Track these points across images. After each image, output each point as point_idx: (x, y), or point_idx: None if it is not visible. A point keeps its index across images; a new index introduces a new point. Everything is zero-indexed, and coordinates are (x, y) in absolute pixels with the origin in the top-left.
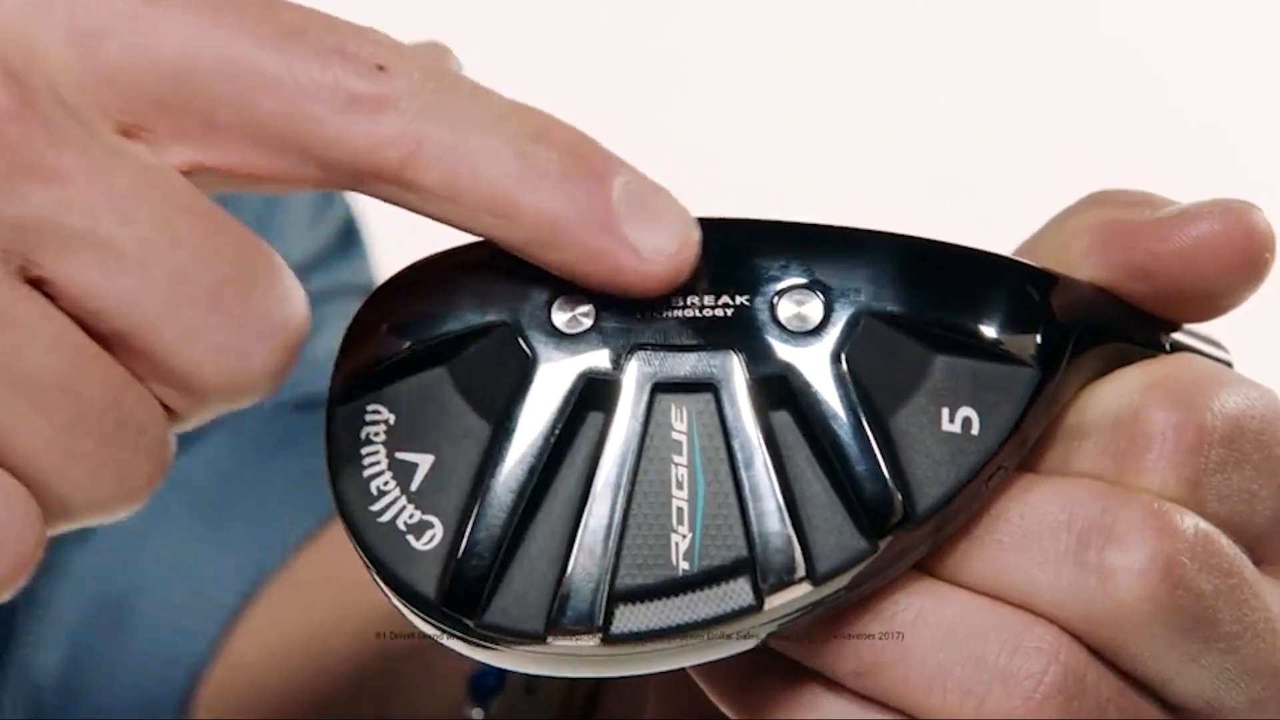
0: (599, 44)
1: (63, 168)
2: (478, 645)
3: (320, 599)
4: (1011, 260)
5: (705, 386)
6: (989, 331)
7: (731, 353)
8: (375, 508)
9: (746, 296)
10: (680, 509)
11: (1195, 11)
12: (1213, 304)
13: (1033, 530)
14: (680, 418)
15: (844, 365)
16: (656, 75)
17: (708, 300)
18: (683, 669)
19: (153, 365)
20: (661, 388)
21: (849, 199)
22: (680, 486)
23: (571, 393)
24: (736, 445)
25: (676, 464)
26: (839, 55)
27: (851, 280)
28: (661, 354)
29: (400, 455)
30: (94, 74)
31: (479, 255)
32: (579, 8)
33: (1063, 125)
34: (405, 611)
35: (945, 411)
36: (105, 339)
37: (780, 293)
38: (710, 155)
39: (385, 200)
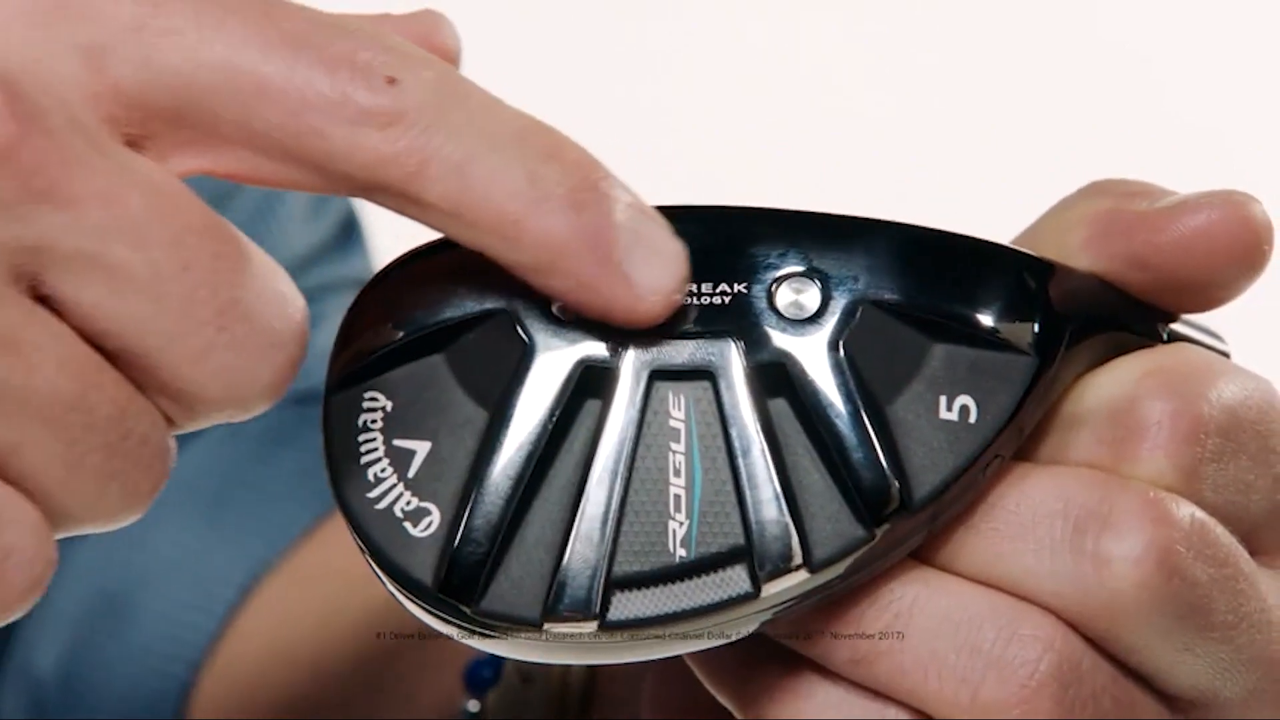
0: (601, 37)
1: (75, 191)
2: (474, 632)
3: (320, 593)
4: (1009, 249)
5: (703, 374)
6: (987, 320)
7: (729, 340)
8: (372, 495)
9: (744, 284)
10: (678, 496)
11: (1195, 7)
12: (1211, 295)
13: (1029, 519)
14: (678, 405)
15: (841, 353)
16: (657, 68)
17: (705, 288)
18: (679, 658)
19: (158, 381)
20: (659, 375)
21: (847, 189)
22: (678, 474)
23: (569, 380)
24: (734, 433)
25: (674, 451)
26: (837, 47)
27: (849, 268)
28: (659, 342)
29: (397, 442)
30: (100, 88)
31: None
32: (582, 4)
33: (1061, 116)
34: (402, 599)
35: (943, 399)
36: (111, 354)
37: (778, 280)
38: (708, 146)
39: (390, 209)
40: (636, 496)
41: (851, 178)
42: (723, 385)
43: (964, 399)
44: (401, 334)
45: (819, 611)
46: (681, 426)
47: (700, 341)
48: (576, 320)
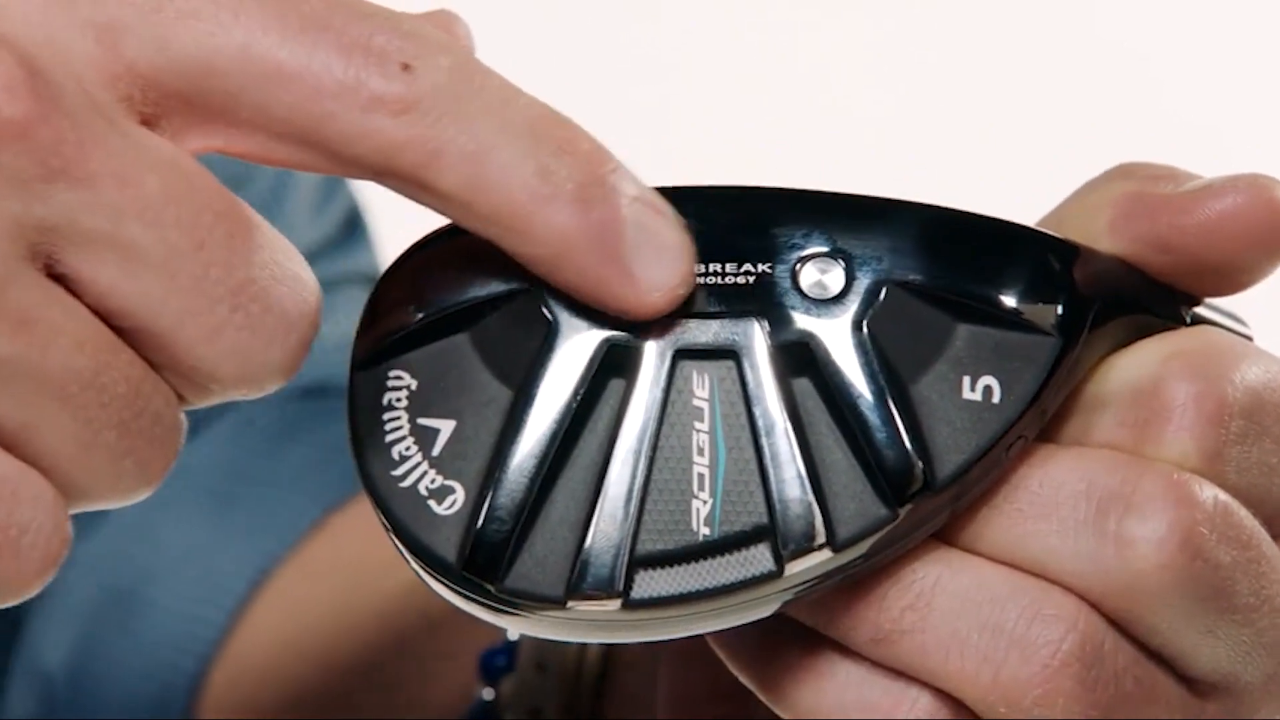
0: (606, 34)
1: (91, 170)
2: (498, 610)
3: (330, 586)
4: (1034, 231)
5: (727, 353)
6: (1011, 301)
7: (753, 320)
8: (397, 473)
9: (768, 264)
10: (701, 475)
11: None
12: (1235, 278)
13: (1052, 499)
14: (702, 384)
15: (865, 333)
16: (661, 64)
17: (730, 268)
18: (699, 643)
19: (171, 359)
20: (683, 354)
21: (857, 182)
22: (701, 453)
23: (593, 359)
24: (758, 412)
25: (698, 430)
26: (847, 39)
27: (873, 248)
28: (683, 321)
29: (422, 421)
30: (117, 69)
31: None
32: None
33: (1069, 109)
34: (426, 577)
35: (966, 380)
36: (125, 332)
37: (802, 260)
38: (715, 142)
39: (403, 195)
40: (660, 475)
41: (861, 171)
42: (747, 365)
43: (988, 379)
44: (426, 313)
45: (841, 591)
46: (705, 406)
47: (724, 321)
48: None
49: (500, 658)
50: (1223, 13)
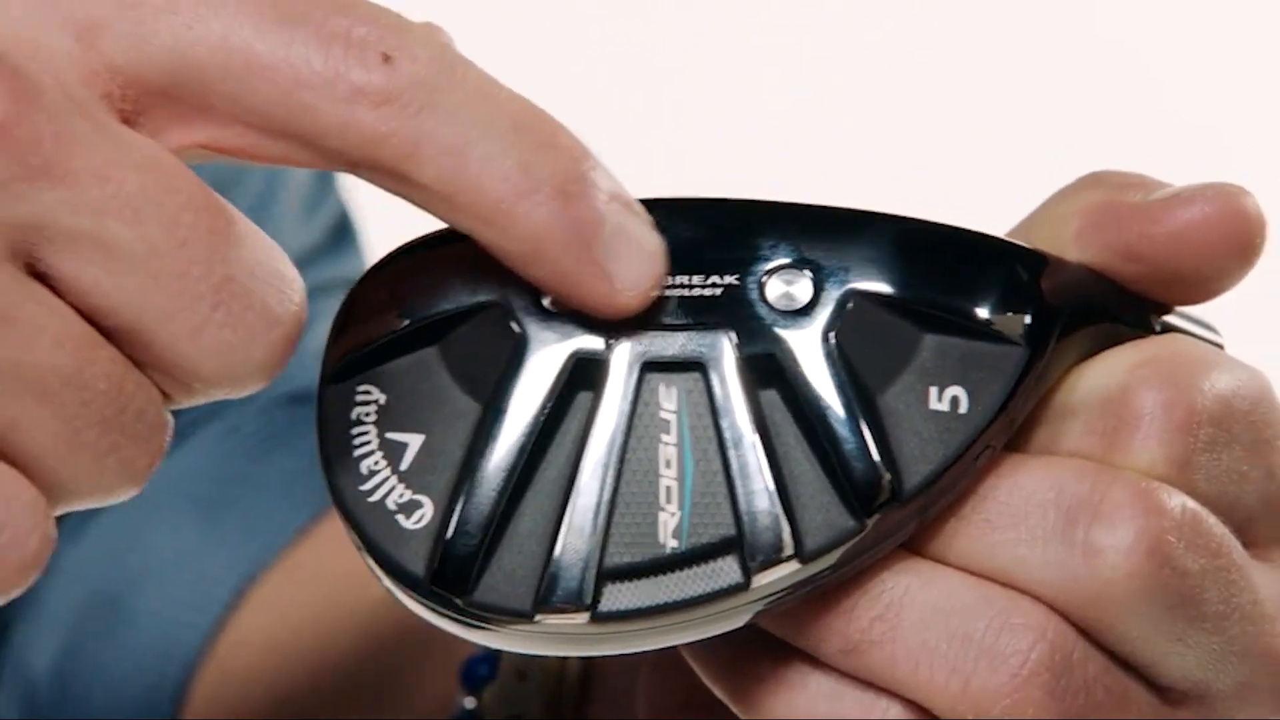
0: (595, 33)
1: (71, 169)
2: (467, 624)
3: (316, 593)
4: (1002, 240)
5: (694, 366)
6: (978, 311)
7: (720, 332)
8: (366, 487)
9: (735, 276)
10: (669, 488)
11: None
12: (1203, 287)
13: (1020, 509)
14: (669, 397)
15: (832, 344)
16: (651, 66)
17: (697, 280)
18: (675, 652)
19: (154, 356)
20: (651, 367)
21: (842, 183)
22: (669, 465)
23: (561, 373)
24: (725, 424)
25: (665, 443)
26: (830, 40)
27: (840, 259)
28: (651, 333)
29: (391, 435)
30: (96, 65)
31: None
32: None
33: (1058, 111)
34: (395, 591)
35: (934, 390)
36: (107, 330)
37: (769, 272)
38: (698, 142)
39: (383, 189)
40: (628, 488)
41: (846, 170)
42: (714, 377)
43: (955, 390)
44: (394, 327)
45: (810, 602)
46: (673, 418)
47: (692, 333)
48: (568, 313)
49: (482, 666)
50: (1222, 13)
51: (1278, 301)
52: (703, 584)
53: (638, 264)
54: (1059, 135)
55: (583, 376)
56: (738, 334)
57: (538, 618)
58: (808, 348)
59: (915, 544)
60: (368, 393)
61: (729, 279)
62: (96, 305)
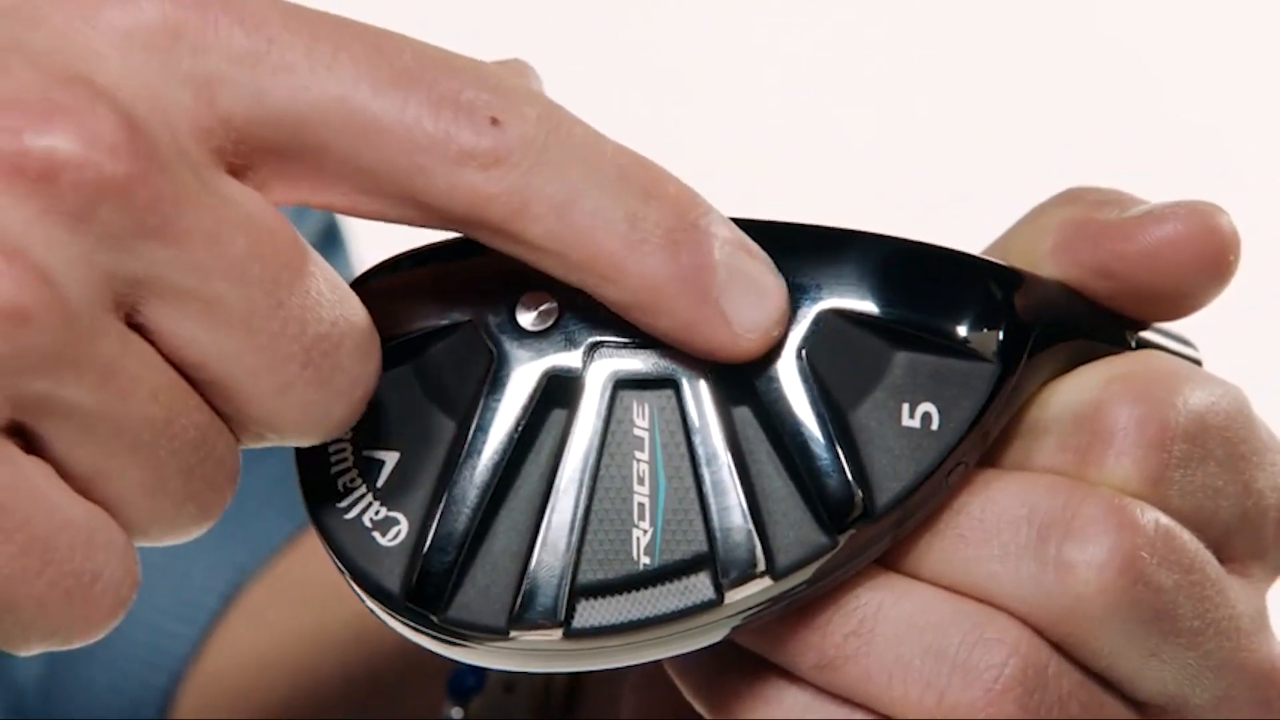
0: (587, 42)
1: (184, 229)
2: (443, 641)
3: (301, 602)
4: (974, 257)
5: (667, 383)
6: (949, 328)
7: None
8: (342, 504)
9: None
10: (642, 505)
11: (1190, 9)
12: (1177, 304)
13: (993, 525)
14: (642, 414)
15: (805, 361)
16: (642, 75)
17: None
18: (659, 665)
19: (239, 410)
20: (624, 384)
21: (821, 199)
22: (641, 482)
23: (535, 390)
24: (698, 441)
25: (638, 460)
26: (817, 53)
27: (813, 277)
28: (624, 351)
29: (367, 453)
30: (211, 122)
31: (445, 254)
32: (580, 6)
33: (1047, 122)
34: (372, 607)
35: (905, 407)
36: (196, 382)
37: None
38: (684, 155)
39: (490, 245)
40: (601, 505)
41: (826, 186)
42: (686, 394)
43: (926, 406)
44: None
45: (785, 617)
46: (646, 435)
47: (664, 350)
48: (542, 331)
49: (469, 678)
50: (1221, 13)
51: (1260, 314)
52: (675, 600)
53: (758, 306)
54: (1051, 142)
55: (557, 394)
56: None
57: (512, 634)
58: (780, 365)
59: (889, 559)
60: None
61: None
62: (190, 359)
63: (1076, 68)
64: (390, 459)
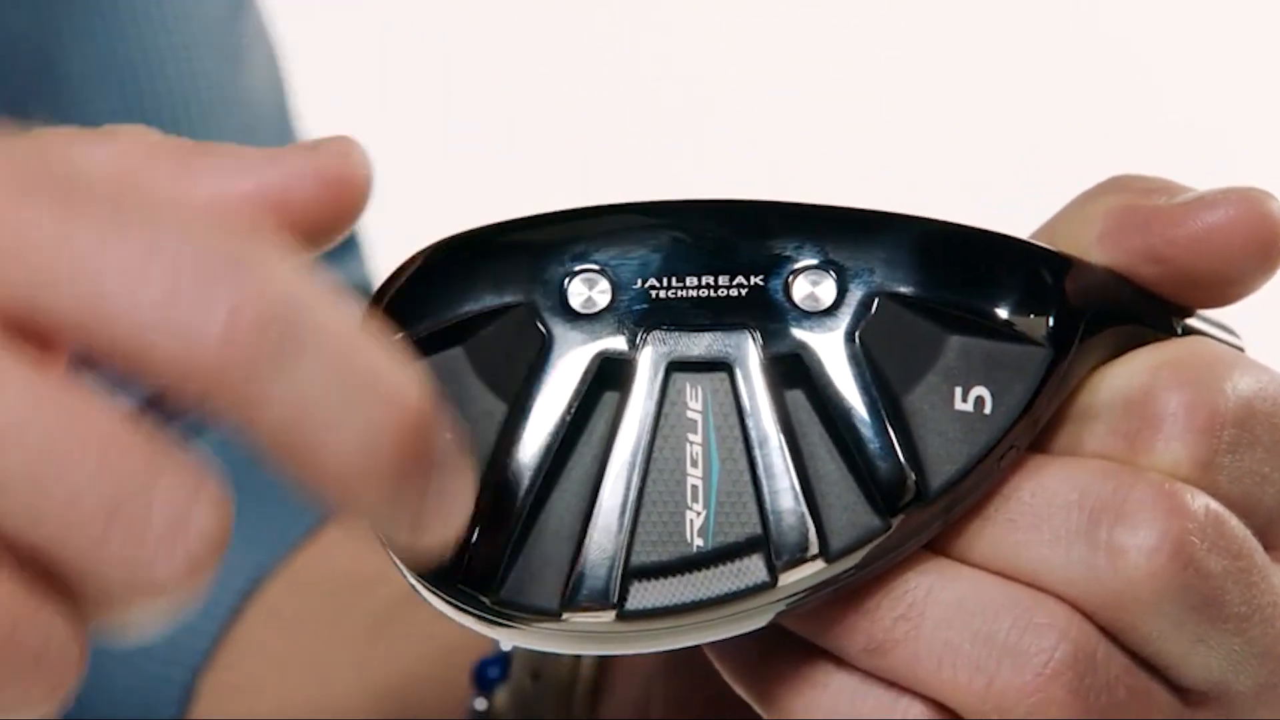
0: (617, 33)
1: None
2: (493, 622)
3: (320, 598)
4: (1025, 242)
5: (720, 366)
6: (1002, 312)
7: (746, 332)
8: None
9: (761, 276)
10: (695, 487)
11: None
12: (1226, 290)
13: (1044, 509)
14: (695, 397)
15: (858, 344)
16: (664, 64)
17: (723, 280)
18: (697, 653)
19: (56, 580)
20: (676, 367)
21: (862, 185)
22: (695, 465)
23: (587, 373)
24: (751, 424)
25: (691, 442)
26: (851, 42)
27: (865, 260)
28: (677, 334)
29: None
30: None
31: (495, 236)
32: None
33: (1073, 114)
34: (419, 588)
35: (958, 390)
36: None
37: (794, 273)
38: (715, 145)
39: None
40: (654, 487)
41: (863, 176)
42: (740, 377)
43: (979, 390)
44: (421, 327)
45: (834, 601)
46: (699, 418)
47: (717, 333)
48: (594, 314)
49: (494, 668)
50: (1222, 14)
51: None
52: (729, 583)
53: (445, 526)
54: (1077, 139)
55: (609, 377)
56: (763, 334)
57: (564, 616)
58: (833, 348)
59: (938, 544)
60: None
61: (754, 280)
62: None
63: (1090, 64)
64: None
